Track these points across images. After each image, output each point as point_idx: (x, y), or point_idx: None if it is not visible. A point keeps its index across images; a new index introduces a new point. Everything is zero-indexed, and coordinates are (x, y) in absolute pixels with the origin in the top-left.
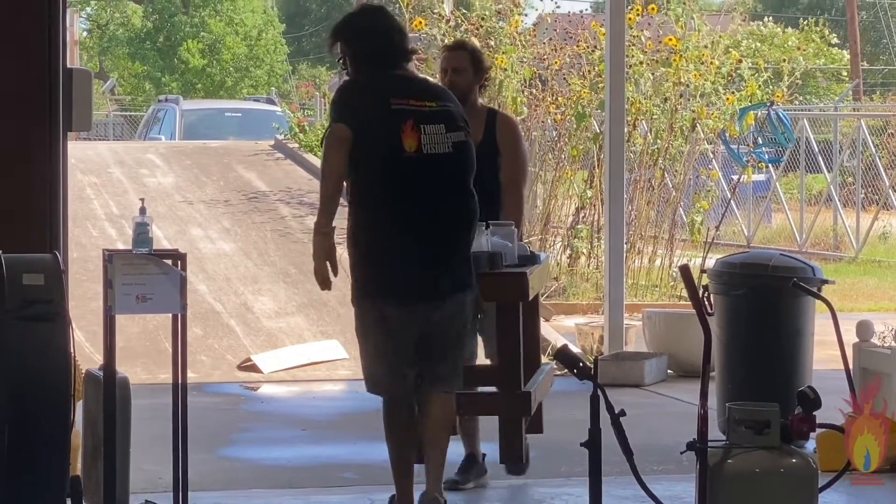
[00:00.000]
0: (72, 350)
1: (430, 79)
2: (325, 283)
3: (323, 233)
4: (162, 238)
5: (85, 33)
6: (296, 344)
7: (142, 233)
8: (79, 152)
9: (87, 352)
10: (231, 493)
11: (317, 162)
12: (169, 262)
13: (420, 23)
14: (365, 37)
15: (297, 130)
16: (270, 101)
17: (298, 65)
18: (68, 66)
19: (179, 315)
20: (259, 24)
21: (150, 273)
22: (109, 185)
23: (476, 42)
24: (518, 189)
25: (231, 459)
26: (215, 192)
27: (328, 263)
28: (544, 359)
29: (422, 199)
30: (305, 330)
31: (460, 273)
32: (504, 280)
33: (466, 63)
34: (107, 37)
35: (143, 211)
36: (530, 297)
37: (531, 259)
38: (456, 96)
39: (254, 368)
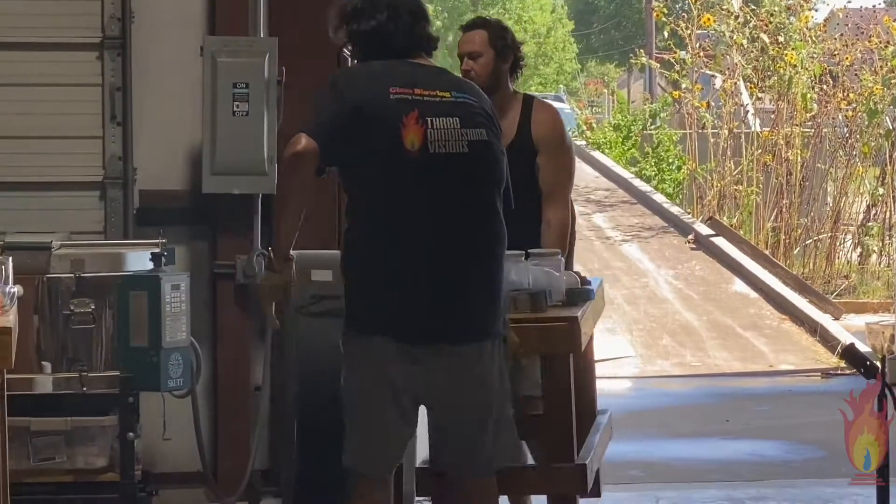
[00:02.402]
0: None
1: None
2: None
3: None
4: None
5: None
6: None
7: None
8: None
9: None
10: None
11: (604, 159)
12: None
13: (708, 19)
14: (367, 14)
15: (584, 128)
16: (559, 99)
17: (587, 62)
18: None
19: None
20: (548, 23)
21: None
22: None
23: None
24: (561, 195)
25: None
26: None
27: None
28: (831, 358)
29: (426, 210)
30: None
31: (481, 315)
32: (550, 327)
33: (483, 45)
34: None
35: None
36: (584, 345)
37: (582, 294)
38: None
39: None
